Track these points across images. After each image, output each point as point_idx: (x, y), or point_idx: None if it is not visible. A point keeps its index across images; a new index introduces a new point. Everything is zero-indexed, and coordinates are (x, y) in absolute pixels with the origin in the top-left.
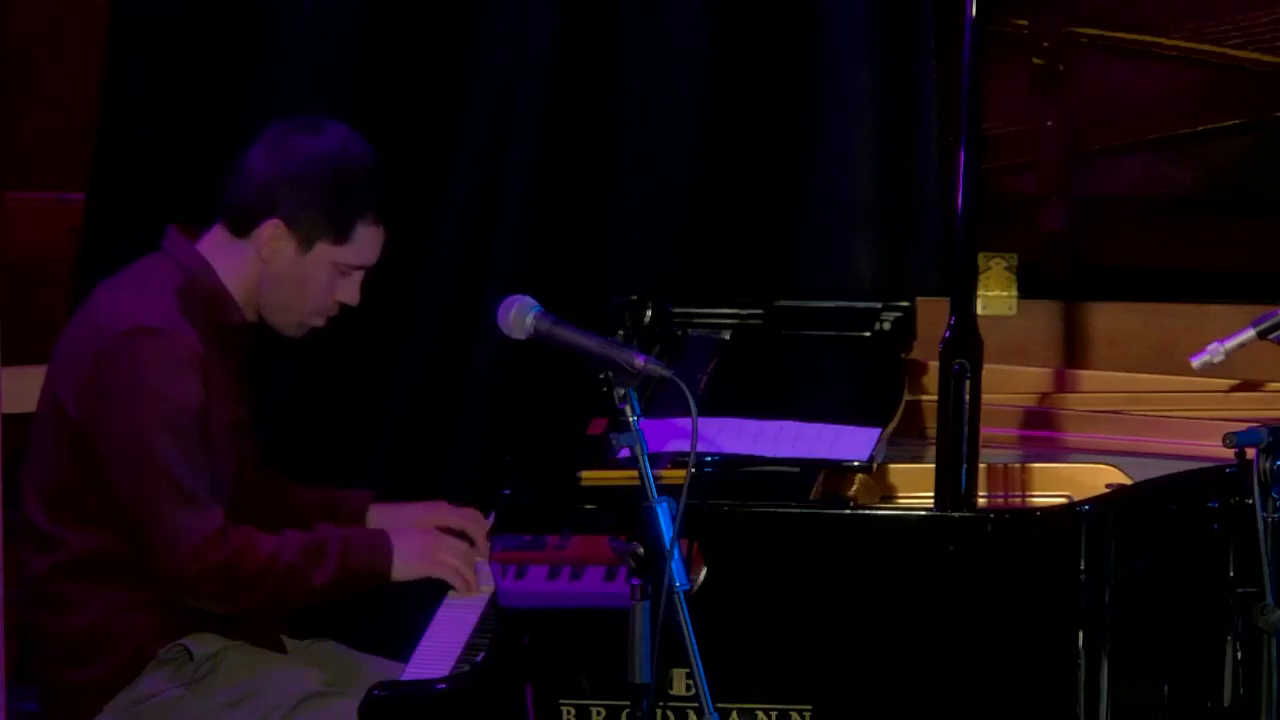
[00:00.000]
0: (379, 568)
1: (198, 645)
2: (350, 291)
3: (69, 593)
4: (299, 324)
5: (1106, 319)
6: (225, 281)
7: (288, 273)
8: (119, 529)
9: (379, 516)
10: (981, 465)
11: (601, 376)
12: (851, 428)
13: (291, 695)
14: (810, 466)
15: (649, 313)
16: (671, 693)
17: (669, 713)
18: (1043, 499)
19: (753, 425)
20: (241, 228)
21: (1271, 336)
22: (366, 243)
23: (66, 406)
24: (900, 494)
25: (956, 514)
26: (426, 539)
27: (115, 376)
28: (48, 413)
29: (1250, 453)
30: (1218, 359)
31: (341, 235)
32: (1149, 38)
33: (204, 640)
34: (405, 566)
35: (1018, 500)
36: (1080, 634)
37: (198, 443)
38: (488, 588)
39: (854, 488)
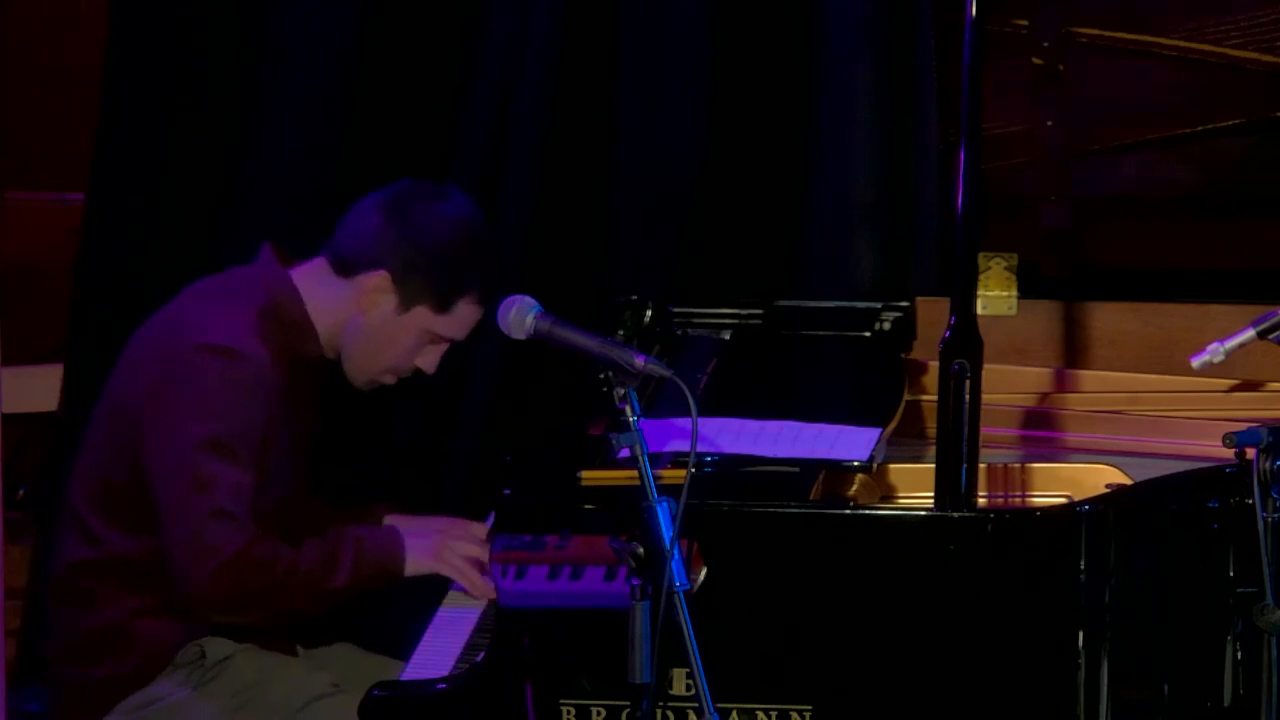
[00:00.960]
0: (392, 566)
1: (210, 648)
2: (430, 360)
3: (96, 590)
4: (371, 380)
5: (1106, 319)
6: (311, 314)
7: (380, 328)
8: (156, 533)
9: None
10: (981, 465)
11: (601, 376)
12: (851, 428)
13: (298, 698)
14: (810, 466)
15: (649, 313)
16: (671, 693)
17: (669, 713)
18: (1043, 499)
19: (753, 425)
20: (347, 269)
21: (1271, 336)
22: (464, 318)
23: (126, 404)
24: (900, 494)
25: (956, 514)
26: (437, 537)
27: (178, 386)
28: (108, 407)
29: (1250, 453)
30: (1218, 359)
31: (444, 306)
32: (1149, 38)
33: (216, 643)
34: (415, 563)
35: (1018, 500)
36: (1080, 634)
37: (246, 464)
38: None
39: (854, 488)
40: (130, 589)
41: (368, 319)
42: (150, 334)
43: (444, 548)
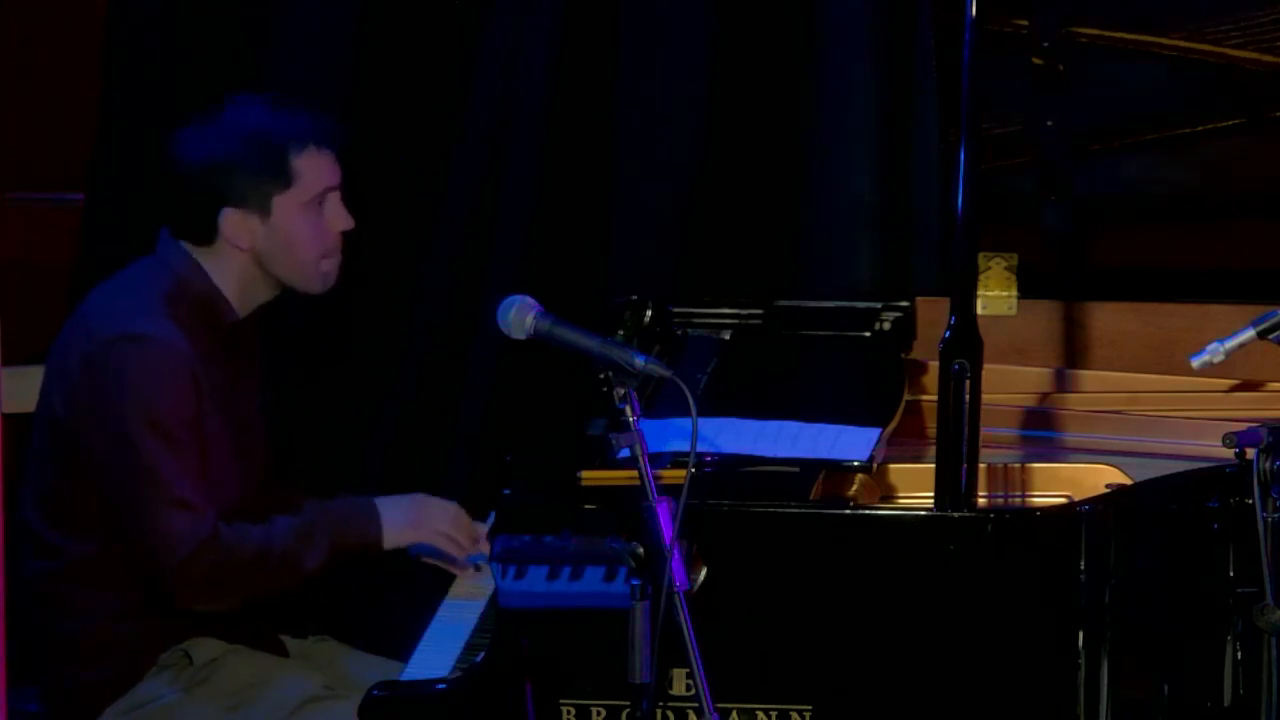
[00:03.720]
0: (369, 539)
1: (198, 650)
2: (337, 217)
3: (68, 597)
4: (316, 276)
5: (1106, 319)
6: (217, 281)
7: (271, 245)
8: (115, 532)
9: None
10: (981, 465)
11: (601, 376)
12: (851, 428)
13: (291, 699)
14: (810, 466)
15: (649, 313)
16: (671, 693)
17: (669, 713)
18: (1043, 499)
19: (753, 425)
20: (204, 236)
21: (1271, 336)
22: (314, 169)
23: (58, 411)
24: (900, 494)
25: (956, 514)
26: (414, 506)
27: (103, 382)
28: (43, 417)
29: (1250, 453)
30: (1218, 359)
31: (285, 179)
32: (1149, 38)
33: (204, 645)
34: (395, 534)
35: (1018, 500)
36: (1080, 634)
37: (189, 447)
38: (483, 590)
39: (854, 488)
40: (101, 593)
41: (257, 249)
42: (65, 339)
43: (422, 516)
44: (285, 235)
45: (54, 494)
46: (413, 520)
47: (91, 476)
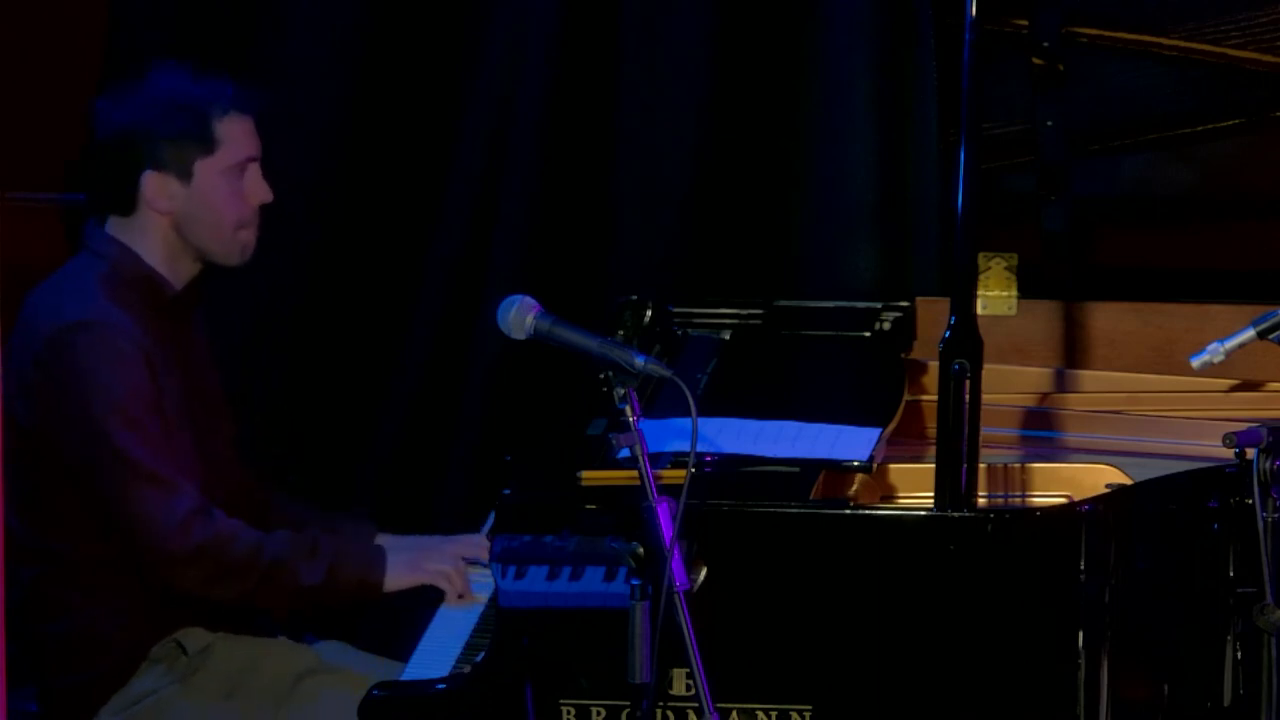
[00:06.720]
0: (371, 578)
1: (189, 640)
2: (257, 189)
3: (56, 599)
4: (235, 246)
5: (1106, 319)
6: (145, 257)
7: (190, 209)
8: (98, 529)
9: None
10: (981, 465)
11: (601, 376)
12: (851, 428)
13: (287, 676)
14: (810, 466)
15: (649, 313)
16: (671, 693)
17: (669, 713)
18: (1043, 499)
19: (753, 425)
20: (126, 205)
21: (1271, 336)
22: (236, 135)
23: (18, 415)
24: (900, 494)
25: (956, 514)
26: (415, 552)
27: (59, 377)
28: (8, 426)
29: (1250, 453)
30: (1218, 359)
31: (208, 144)
32: (1149, 38)
33: (195, 635)
34: (396, 578)
35: (1018, 500)
36: (1080, 634)
37: (155, 426)
38: (482, 596)
39: (854, 488)
40: (89, 592)
41: (178, 214)
42: (14, 346)
43: (421, 558)
44: (206, 200)
45: (30, 498)
46: (412, 565)
47: (66, 476)
